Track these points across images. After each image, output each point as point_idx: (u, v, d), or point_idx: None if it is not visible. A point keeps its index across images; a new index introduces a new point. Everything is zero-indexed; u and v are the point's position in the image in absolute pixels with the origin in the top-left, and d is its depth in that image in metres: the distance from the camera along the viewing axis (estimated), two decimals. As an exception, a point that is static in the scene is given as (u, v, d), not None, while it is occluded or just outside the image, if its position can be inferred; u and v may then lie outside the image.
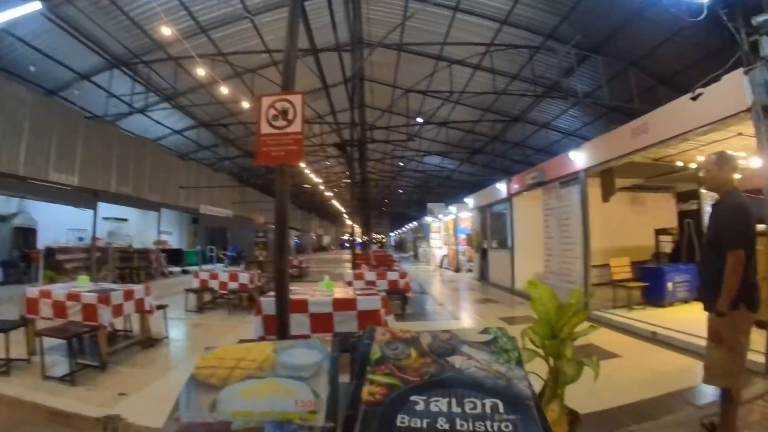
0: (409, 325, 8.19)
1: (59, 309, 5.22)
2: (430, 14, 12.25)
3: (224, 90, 13.19)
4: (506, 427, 0.76)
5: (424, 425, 0.75)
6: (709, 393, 4.29)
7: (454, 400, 0.81)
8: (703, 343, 5.17)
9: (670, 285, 8.46)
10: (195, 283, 9.81)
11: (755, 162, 6.36)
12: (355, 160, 18.30)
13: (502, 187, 13.70)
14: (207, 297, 9.86)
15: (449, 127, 19.04)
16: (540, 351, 2.83)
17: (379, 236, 75.35)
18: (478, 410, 0.79)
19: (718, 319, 2.98)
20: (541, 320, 2.89)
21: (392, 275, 9.35)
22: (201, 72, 12.34)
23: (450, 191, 30.71)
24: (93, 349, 5.36)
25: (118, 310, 5.47)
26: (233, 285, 9.64)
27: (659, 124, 6.75)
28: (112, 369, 5.07)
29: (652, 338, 6.54)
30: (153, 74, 13.77)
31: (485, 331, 1.04)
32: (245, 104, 14.09)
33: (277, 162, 3.55)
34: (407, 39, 13.36)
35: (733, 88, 5.27)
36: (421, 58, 14.55)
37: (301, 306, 4.80)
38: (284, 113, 3.51)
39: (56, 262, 12.80)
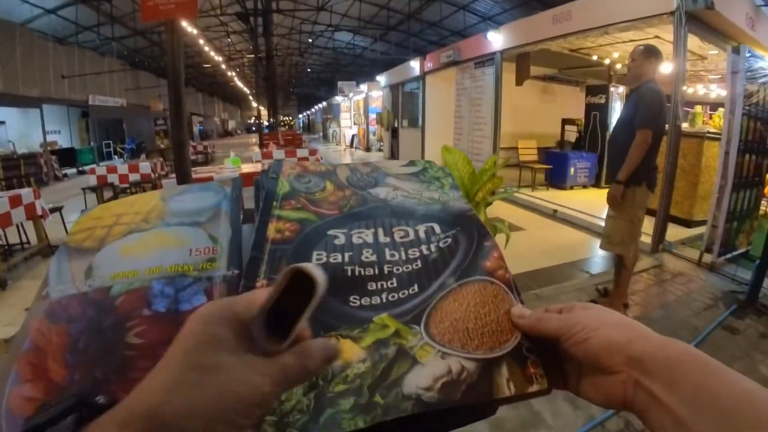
0: None
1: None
2: None
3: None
4: (445, 243, 0.67)
5: (346, 259, 0.63)
6: (603, 264, 5.04)
7: (380, 230, 0.69)
8: (598, 222, 5.84)
9: (572, 170, 9.23)
10: (92, 181, 8.93)
11: (668, 67, 6.78)
12: (259, 34, 16.79)
13: (415, 65, 13.49)
14: (108, 194, 9.15)
15: (363, 1, 17.83)
16: None
17: (287, 118, 72.57)
18: (411, 237, 0.68)
19: (617, 187, 3.30)
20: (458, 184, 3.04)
21: (302, 153, 9.28)
22: None
23: (361, 70, 29.65)
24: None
25: (5, 220, 4.89)
26: (134, 177, 9.00)
27: (583, 13, 6.82)
28: (14, 285, 4.66)
29: (553, 216, 7.26)
30: None
31: (411, 163, 0.89)
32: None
33: (166, 17, 3.09)
34: None
35: (661, -11, 5.36)
36: None
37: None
38: None
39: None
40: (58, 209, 6.17)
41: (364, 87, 21.35)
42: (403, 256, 0.65)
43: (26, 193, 5.41)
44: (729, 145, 4.71)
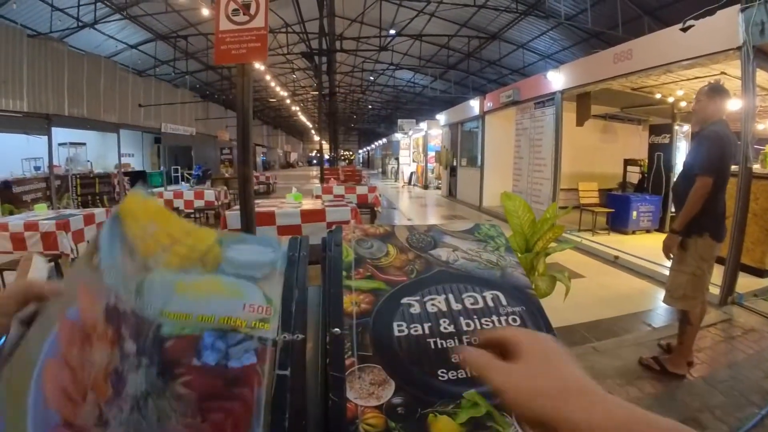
0: None
1: (17, 241, 4.94)
2: None
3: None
4: (513, 320, 0.69)
5: (426, 330, 0.65)
6: (666, 317, 4.65)
7: (452, 297, 0.71)
8: (662, 270, 5.50)
9: (634, 213, 8.76)
10: None
11: (735, 104, 6.39)
12: (323, 72, 17.45)
13: (475, 105, 13.51)
14: (174, 218, 9.63)
15: (423, 40, 18.19)
16: None
17: (347, 153, 74.57)
18: (481, 305, 0.71)
19: (673, 237, 3.10)
20: (515, 233, 2.91)
21: (361, 189, 9.30)
22: None
23: (420, 108, 30.13)
24: (59, 278, 5.17)
25: (79, 236, 5.24)
26: (199, 203, 9.44)
27: (644, 51, 6.64)
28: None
29: (615, 262, 6.87)
30: None
31: (466, 223, 0.92)
32: (205, 12, 12.84)
33: (238, 61, 3.26)
34: None
35: (725, 25, 5.17)
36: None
37: (268, 218, 4.72)
38: (246, 7, 3.22)
39: (13, 196, 12.00)
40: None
41: (423, 125, 21.64)
42: (478, 326, 0.68)
43: (99, 212, 5.83)
44: None
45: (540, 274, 2.82)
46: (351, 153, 75.73)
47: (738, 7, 5.02)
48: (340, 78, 26.69)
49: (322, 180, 12.92)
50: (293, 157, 66.10)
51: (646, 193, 9.20)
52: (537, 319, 0.71)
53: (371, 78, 27.21)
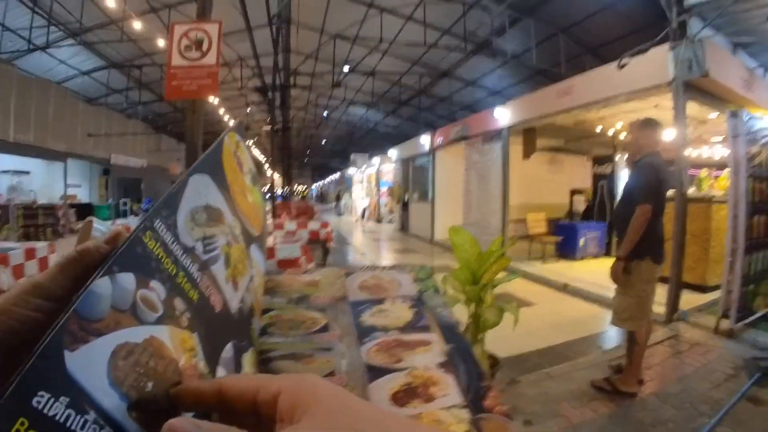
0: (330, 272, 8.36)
1: (-51, 274, 4.58)
2: None
3: (138, 25, 11.78)
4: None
5: None
6: (616, 338, 4.80)
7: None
8: (610, 294, 5.73)
9: (582, 240, 9.14)
10: None
11: (669, 134, 6.88)
12: (277, 106, 17.51)
13: (425, 141, 13.84)
14: (119, 253, 9.19)
15: (376, 77, 18.66)
16: (461, 297, 2.93)
17: (301, 188, 74.00)
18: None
19: (619, 263, 3.29)
20: (462, 266, 2.96)
21: (313, 225, 9.14)
22: (112, 4, 10.91)
23: (374, 143, 30.49)
24: None
25: (18, 272, 4.88)
26: (146, 238, 9.04)
27: (584, 87, 7.06)
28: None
29: (565, 289, 7.07)
30: (56, 5, 11.86)
31: (394, 266, 0.90)
32: (161, 43, 12.70)
33: (188, 97, 3.26)
34: None
35: (657, 62, 5.60)
36: (353, 3, 13.91)
37: None
38: (199, 44, 3.22)
39: (-50, 225, 11.24)
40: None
41: (376, 160, 21.85)
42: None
43: (41, 246, 5.43)
44: (737, 208, 4.65)
45: (488, 305, 2.88)
46: (305, 187, 75.31)
47: (668, 45, 5.48)
48: (294, 113, 26.78)
49: (274, 215, 12.78)
50: None
51: (592, 221, 9.64)
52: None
53: (325, 113, 27.49)
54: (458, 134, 11.33)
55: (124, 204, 22.93)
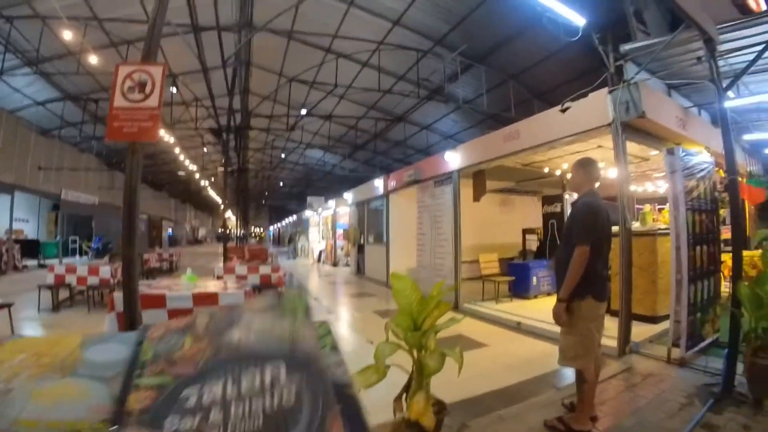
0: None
1: None
2: (324, 5, 11.91)
3: (94, 60, 11.52)
4: (288, 392, 0.64)
5: (196, 423, 0.60)
6: (570, 376, 4.72)
7: (230, 381, 0.67)
8: (561, 331, 5.79)
9: (534, 279, 9.21)
10: (50, 279, 8.56)
11: (612, 172, 7.14)
12: (232, 148, 17.36)
13: (379, 184, 13.89)
14: (65, 294, 8.73)
15: (333, 121, 18.91)
16: (403, 343, 2.85)
17: (258, 230, 72.76)
18: (257, 384, 0.66)
19: (560, 305, 3.23)
20: (403, 312, 2.90)
21: (264, 269, 8.95)
22: (69, 36, 10.66)
23: (331, 186, 30.62)
24: None
25: None
26: (93, 280, 8.55)
27: (530, 131, 7.24)
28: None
29: (518, 328, 7.03)
30: (14, 32, 11.57)
31: (271, 296, 0.90)
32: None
33: (128, 139, 3.15)
34: (299, 27, 12.88)
35: (597, 105, 5.81)
36: (311, 48, 14.19)
37: (158, 301, 4.46)
38: (142, 85, 3.13)
39: None
40: (7, 306, 5.71)
41: (332, 203, 21.79)
42: (246, 409, 0.63)
43: None
44: (678, 240, 4.79)
45: (430, 351, 2.81)
46: (262, 230, 74.10)
47: (607, 89, 5.74)
48: (251, 154, 26.65)
49: (225, 259, 12.44)
50: (202, 232, 63.40)
51: (544, 259, 9.80)
52: (317, 385, 0.67)
53: (282, 156, 27.50)
54: (410, 178, 11.46)
55: (74, 242, 21.86)
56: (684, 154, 4.95)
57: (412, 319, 2.87)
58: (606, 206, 3.41)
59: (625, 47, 5.62)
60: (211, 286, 5.17)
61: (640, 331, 5.73)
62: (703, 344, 5.01)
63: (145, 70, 3.14)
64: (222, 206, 43.30)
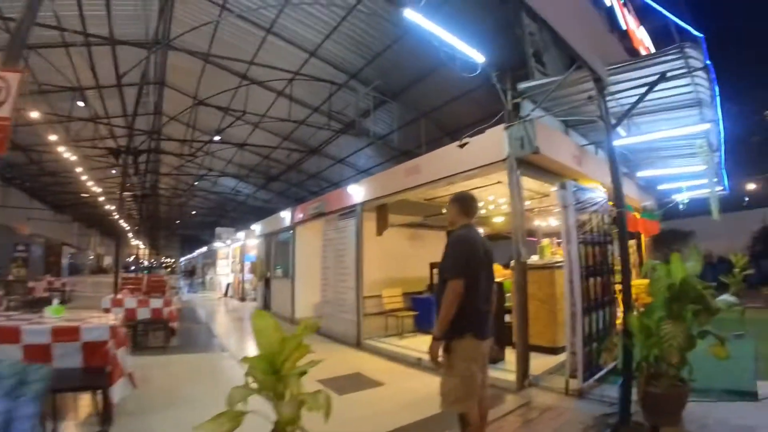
0: (169, 360, 7.12)
1: None
2: (243, 31, 11.44)
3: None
4: None
5: None
6: None
7: None
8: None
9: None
10: None
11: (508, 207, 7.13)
12: (135, 172, 16.00)
13: (287, 216, 13.36)
14: None
15: (247, 149, 18.11)
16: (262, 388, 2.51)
17: (169, 260, 68.37)
18: None
19: (435, 343, 2.92)
20: (261, 354, 2.55)
21: (156, 302, 8.13)
22: None
23: (244, 217, 29.25)
24: None
25: None
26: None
27: (430, 166, 7.14)
28: None
29: (418, 364, 6.64)
30: None
31: None
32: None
33: None
34: (216, 51, 12.21)
35: (495, 141, 5.77)
36: (226, 73, 13.51)
37: (12, 335, 3.82)
38: None
39: None
40: None
41: (241, 234, 20.65)
42: None
43: None
44: (572, 273, 4.74)
45: (292, 397, 2.41)
46: (173, 260, 69.54)
47: (503, 125, 5.70)
48: (163, 179, 24.95)
49: (116, 290, 11.17)
50: (107, 260, 57.51)
51: (447, 294, 9.59)
52: None
53: (195, 183, 25.88)
54: (316, 210, 11.05)
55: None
56: (575, 188, 4.92)
57: (269, 362, 2.48)
58: (484, 240, 3.23)
59: (522, 85, 5.62)
60: (75, 318, 4.38)
61: (541, 363, 5.69)
62: (601, 373, 5.00)
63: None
64: (130, 233, 40.06)
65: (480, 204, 10.18)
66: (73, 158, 15.40)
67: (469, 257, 2.98)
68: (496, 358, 5.91)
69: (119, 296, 8.30)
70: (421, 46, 9.83)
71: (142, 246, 22.34)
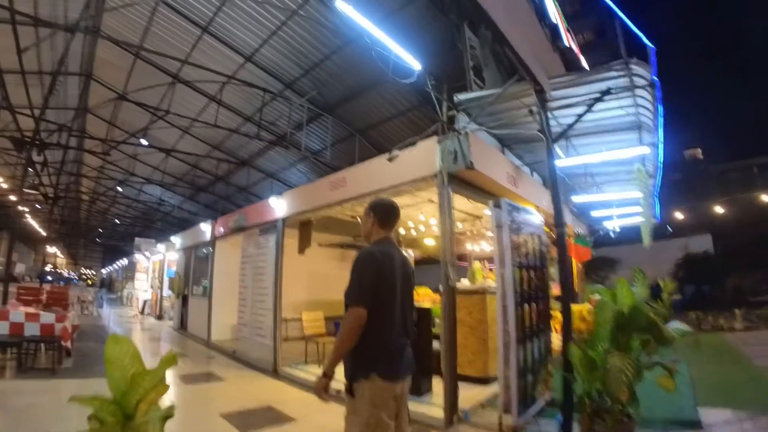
0: (54, 385, 5.97)
1: None
2: (178, 26, 10.30)
3: None
4: None
5: None
6: None
7: None
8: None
9: (362, 339, 8.12)
10: None
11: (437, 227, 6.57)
12: (42, 169, 14.08)
13: (206, 229, 12.13)
14: None
15: (174, 156, 16.59)
16: None
17: (90, 272, 62.74)
18: None
19: (322, 380, 2.28)
20: (114, 392, 1.97)
21: (47, 318, 7.05)
22: None
23: (171, 229, 27.14)
24: None
25: None
26: None
27: (356, 179, 6.49)
28: None
29: (337, 396, 5.77)
30: None
31: None
32: None
33: None
34: (149, 44, 10.91)
35: (426, 154, 5.23)
36: (158, 72, 12.20)
37: None
38: None
39: None
40: None
41: (162, 247, 18.77)
42: None
43: None
44: (505, 298, 4.14)
45: None
46: (94, 272, 63.85)
47: (435, 138, 5.15)
48: (83, 181, 22.54)
49: (5, 302, 9.64)
50: (19, 268, 51.23)
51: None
52: None
53: (119, 188, 23.54)
54: (236, 224, 10.03)
55: None
56: (511, 207, 4.37)
57: (118, 404, 1.93)
58: (404, 258, 2.46)
59: (460, 97, 5.12)
60: None
61: (471, 394, 5.15)
62: (536, 407, 4.47)
63: None
64: (50, 240, 35.79)
65: (410, 225, 9.76)
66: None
67: (379, 280, 2.26)
68: (422, 389, 5.26)
69: (4, 309, 7.30)
70: (360, 60, 9.27)
71: (60, 255, 19.63)
